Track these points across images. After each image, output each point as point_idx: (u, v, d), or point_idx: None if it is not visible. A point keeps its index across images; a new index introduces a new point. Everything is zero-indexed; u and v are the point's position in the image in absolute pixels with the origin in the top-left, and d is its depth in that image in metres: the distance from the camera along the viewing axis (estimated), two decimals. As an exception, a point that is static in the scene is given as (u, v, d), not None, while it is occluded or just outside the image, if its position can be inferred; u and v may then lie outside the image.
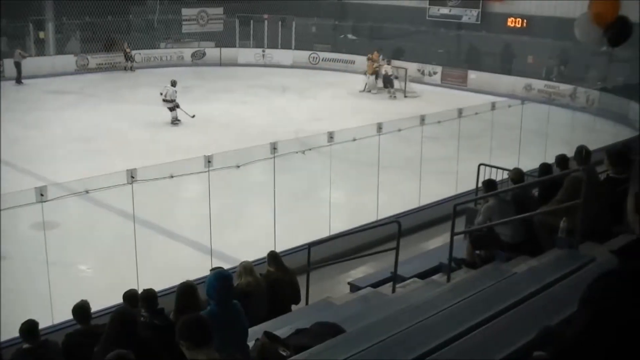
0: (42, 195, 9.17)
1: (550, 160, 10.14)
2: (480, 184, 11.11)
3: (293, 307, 8.57)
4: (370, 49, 30.14)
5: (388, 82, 28.03)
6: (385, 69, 28.24)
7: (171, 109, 22.08)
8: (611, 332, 1.83)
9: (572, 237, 7.82)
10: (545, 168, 10.12)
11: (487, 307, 5.73)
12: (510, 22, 30.70)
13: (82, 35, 32.43)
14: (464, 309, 5.91)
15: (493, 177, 11.11)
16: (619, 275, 1.93)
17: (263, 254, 8.85)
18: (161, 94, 22.22)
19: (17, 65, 28.44)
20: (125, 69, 32.11)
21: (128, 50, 32.18)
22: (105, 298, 8.62)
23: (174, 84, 22.26)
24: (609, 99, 24.14)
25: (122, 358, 4.45)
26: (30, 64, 29.38)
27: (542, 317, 5.03)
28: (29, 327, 6.55)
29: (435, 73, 31.57)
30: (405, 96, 27.88)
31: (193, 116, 21.75)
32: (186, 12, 35.60)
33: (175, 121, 21.98)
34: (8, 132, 20.10)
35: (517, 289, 6.27)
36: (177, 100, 22.02)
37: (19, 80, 28.22)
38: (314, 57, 34.96)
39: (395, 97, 27.50)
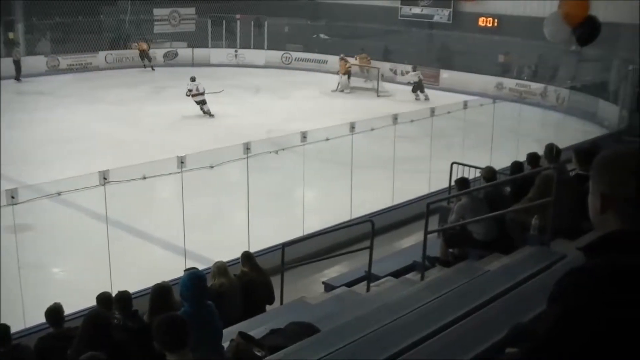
0: (12, 197, 9.08)
1: (522, 158, 10.24)
2: (453, 183, 11.19)
3: (267, 307, 8.57)
4: (343, 49, 30.26)
5: (419, 87, 27.60)
6: (412, 75, 28.16)
7: (203, 102, 23.34)
8: (578, 328, 1.86)
9: (544, 235, 7.92)
10: (516, 166, 10.22)
11: (461, 305, 5.78)
12: (481, 21, 30.95)
13: (53, 35, 32.13)
14: (438, 307, 5.95)
15: (466, 176, 11.17)
16: (585, 272, 1.97)
17: (237, 254, 8.85)
18: (190, 90, 23.38)
19: (17, 63, 29.28)
20: (144, 67, 32.46)
21: (147, 48, 32.61)
22: (78, 301, 8.56)
23: (194, 79, 23.85)
24: (578, 97, 24.41)
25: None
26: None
27: (514, 314, 5.08)
28: (1, 332, 6.49)
29: (407, 72, 31.67)
30: (378, 96, 27.94)
31: (221, 91, 24.49)
32: (158, 12, 35.41)
33: (209, 113, 23.35)
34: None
35: (490, 287, 6.33)
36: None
37: (17, 77, 29.03)
38: (286, 57, 34.94)
39: (428, 98, 26.85)
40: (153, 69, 32.35)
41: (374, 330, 5.40)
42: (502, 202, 9.20)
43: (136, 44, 32.81)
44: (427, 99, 26.52)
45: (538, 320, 2.46)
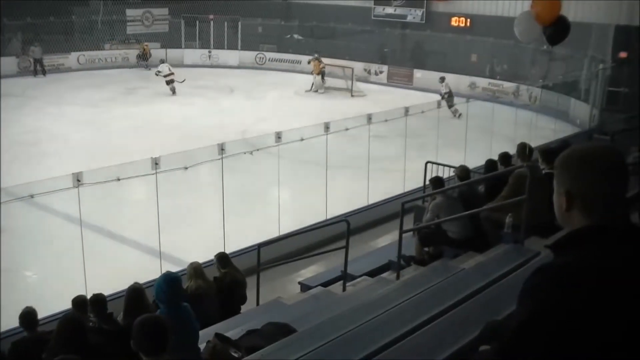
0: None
1: (495, 157, 10.32)
2: (427, 182, 11.24)
3: (243, 308, 8.56)
4: (317, 49, 30.29)
5: (450, 98, 23.17)
6: (442, 87, 24.45)
7: (172, 81, 27.08)
8: (545, 325, 1.89)
9: (518, 232, 7.99)
10: (490, 164, 10.30)
11: (436, 304, 5.81)
12: (454, 21, 31.10)
13: (24, 36, 31.81)
14: (414, 306, 5.99)
15: (440, 175, 11.24)
16: (553, 269, 2.00)
17: (212, 255, 8.82)
18: (159, 72, 27.40)
19: (40, 60, 30.61)
20: (146, 67, 32.49)
21: (147, 48, 33.01)
22: (52, 304, 8.50)
23: (164, 61, 28.74)
24: (550, 96, 24.63)
25: None
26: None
27: (489, 312, 5.12)
28: (-26, 336, 6.43)
29: (381, 72, 31.81)
30: (352, 95, 27.99)
31: (183, 80, 27.04)
32: (130, 12, 35.17)
33: (174, 91, 27.03)
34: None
35: (465, 285, 6.37)
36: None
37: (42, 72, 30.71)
38: (260, 58, 34.90)
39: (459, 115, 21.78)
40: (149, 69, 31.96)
41: (350, 330, 5.42)
42: (476, 200, 9.27)
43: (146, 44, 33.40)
44: (455, 114, 22.10)
45: (511, 318, 2.49)
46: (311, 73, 29.15)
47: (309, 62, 29.53)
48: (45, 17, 31.02)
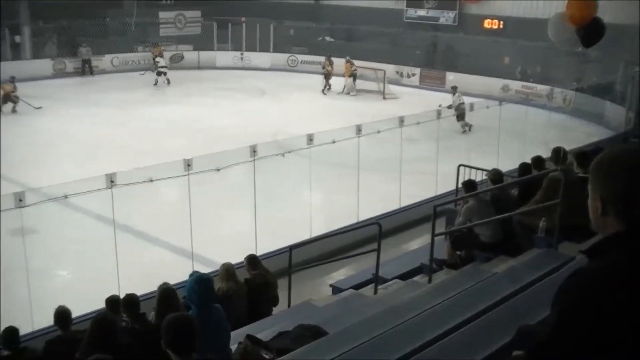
0: (20, 200, 9.10)
1: (528, 160, 10.22)
2: (459, 185, 11.17)
3: (274, 309, 8.57)
4: (348, 52, 30.22)
5: (461, 110, 21.10)
6: (454, 98, 22.19)
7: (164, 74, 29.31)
8: (579, 329, 1.87)
9: (551, 237, 7.90)
10: (524, 168, 10.19)
11: (468, 308, 5.77)
12: (486, 23, 30.90)
13: (59, 39, 32.22)
14: (445, 310, 5.94)
15: (472, 178, 11.16)
16: (587, 275, 1.98)
17: (243, 256, 8.84)
18: (157, 62, 29.51)
19: (88, 61, 31.45)
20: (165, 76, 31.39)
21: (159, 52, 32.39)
22: (85, 304, 8.58)
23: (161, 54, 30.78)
24: (584, 99, 24.36)
25: None
26: (6, 68, 29.18)
27: (521, 317, 5.06)
28: (9, 334, 6.51)
29: (413, 75, 31.69)
30: (384, 98, 27.93)
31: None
32: (164, 15, 35.46)
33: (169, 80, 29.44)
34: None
35: (497, 289, 6.32)
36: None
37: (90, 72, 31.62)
38: (292, 60, 34.96)
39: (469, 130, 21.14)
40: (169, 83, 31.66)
41: (381, 333, 5.40)
42: (509, 204, 9.19)
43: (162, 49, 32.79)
44: (465, 129, 21.21)
45: (544, 323, 2.47)
46: (343, 75, 29.13)
47: (323, 68, 29.50)
48: (80, 19, 31.38)
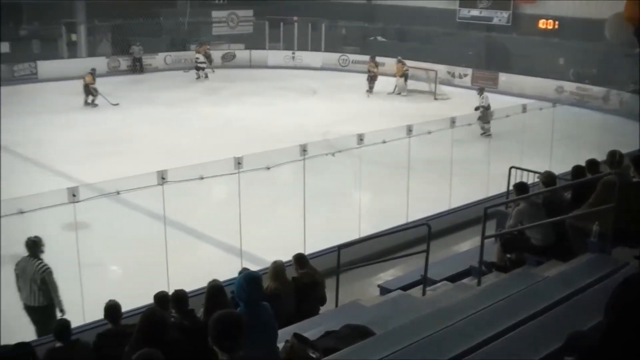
0: (74, 195, 9.27)
1: (582, 163, 10.03)
2: (511, 187, 11.03)
3: (321, 309, 8.57)
4: (400, 52, 30.08)
5: (486, 113, 20.54)
6: (481, 99, 21.79)
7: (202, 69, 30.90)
8: (630, 336, 1.83)
9: (605, 242, 7.74)
10: (578, 171, 10.00)
11: (518, 312, 5.69)
12: (541, 23, 30.47)
13: (114, 37, 32.77)
14: (495, 313, 5.87)
15: (524, 180, 11.01)
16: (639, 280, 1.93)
17: (291, 255, 8.85)
18: (197, 58, 30.91)
19: (139, 60, 32.07)
20: (203, 71, 32.12)
21: (208, 51, 32.70)
22: (135, 298, 8.69)
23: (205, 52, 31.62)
24: (642, 101, 23.83)
25: (148, 356, 4.42)
26: (62, 66, 29.88)
27: (572, 323, 4.98)
28: (61, 327, 6.63)
29: (465, 75, 31.40)
30: (435, 99, 27.76)
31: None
32: (216, 14, 35.79)
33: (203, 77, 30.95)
34: (37, 133, 20.41)
35: (548, 294, 6.22)
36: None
37: (141, 71, 32.25)
38: (343, 60, 34.95)
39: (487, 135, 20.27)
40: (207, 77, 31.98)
41: (429, 335, 5.35)
42: (561, 207, 9.03)
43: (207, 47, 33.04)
44: (485, 133, 20.28)
45: (597, 329, 2.42)
46: (394, 75, 29.02)
47: (368, 71, 28.99)
48: (135, 18, 31.85)
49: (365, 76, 29.00)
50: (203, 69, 31.29)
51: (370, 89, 28.43)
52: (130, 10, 31.26)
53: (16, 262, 9.15)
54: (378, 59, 31.58)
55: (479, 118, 20.22)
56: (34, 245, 9.00)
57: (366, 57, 33.43)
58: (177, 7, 35.52)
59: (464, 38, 32.39)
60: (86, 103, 25.10)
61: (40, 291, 8.90)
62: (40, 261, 8.95)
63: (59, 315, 8.89)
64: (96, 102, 25.14)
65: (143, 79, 31.09)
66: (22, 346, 4.77)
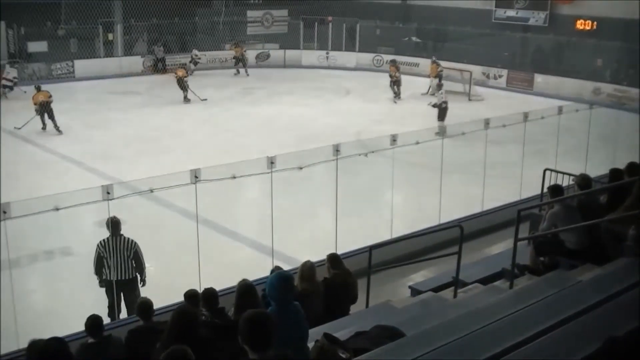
0: (108, 193, 9.36)
1: (618, 166, 9.89)
2: (545, 190, 10.92)
3: (352, 309, 8.55)
4: (435, 52, 29.94)
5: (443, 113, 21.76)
6: (440, 95, 22.53)
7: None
8: None
9: (641, 246, 7.62)
10: (615, 173, 9.86)
11: (551, 315, 5.62)
12: (579, 24, 30.10)
13: (149, 37, 33.07)
14: (527, 316, 5.81)
15: (559, 183, 10.89)
16: None
17: (323, 255, 8.84)
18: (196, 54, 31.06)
19: (162, 60, 32.18)
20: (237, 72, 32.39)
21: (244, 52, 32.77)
22: (167, 296, 8.75)
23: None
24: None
25: (178, 353, 4.43)
26: (98, 65, 30.24)
27: (607, 328, 4.90)
28: (94, 323, 6.68)
29: (500, 76, 31.16)
30: (470, 99, 27.58)
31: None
32: (251, 14, 35.96)
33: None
34: (74, 131, 20.66)
35: (582, 298, 6.13)
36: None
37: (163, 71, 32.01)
38: (377, 60, 34.86)
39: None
40: (247, 74, 32.29)
41: (460, 337, 5.31)
42: (596, 211, 8.91)
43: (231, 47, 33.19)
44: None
45: (632, 334, 2.38)
46: (428, 76, 28.88)
47: (390, 76, 28.12)
48: (170, 18, 32.09)
49: (403, 77, 28.79)
50: (197, 63, 31.81)
51: (397, 95, 27.64)
52: (166, 10, 31.53)
53: (99, 244, 9.58)
54: (412, 59, 31.59)
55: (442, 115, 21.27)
56: (117, 225, 9.62)
57: (401, 58, 33.39)
58: (212, 7, 35.72)
59: (499, 39, 32.13)
60: (185, 99, 25.87)
61: (131, 264, 9.62)
62: (127, 237, 9.67)
63: (140, 285, 9.75)
64: (188, 97, 25.80)
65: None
66: (55, 341, 4.82)
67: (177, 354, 4.34)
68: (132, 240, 9.67)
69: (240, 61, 32.44)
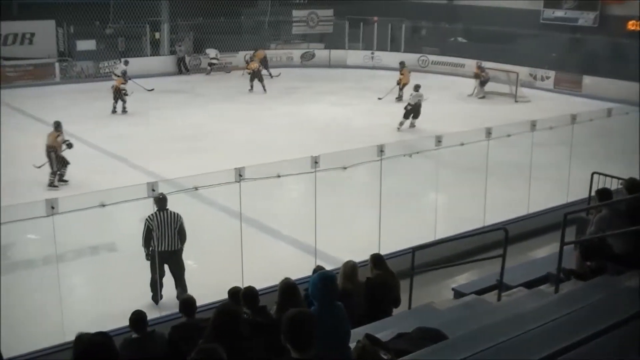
0: (153, 190, 9.47)
1: (670, 170, 9.71)
2: (593, 193, 10.75)
3: (395, 310, 8.51)
4: (481, 53, 29.65)
5: (414, 111, 22.24)
6: (413, 96, 22.46)
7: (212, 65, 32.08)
8: None
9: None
10: (666, 178, 9.67)
11: (597, 321, 5.52)
12: (630, 25, 29.53)
13: (195, 36, 33.35)
14: (572, 322, 5.72)
15: (607, 187, 10.70)
16: None
17: (366, 256, 8.82)
18: (207, 54, 31.64)
19: (182, 59, 32.27)
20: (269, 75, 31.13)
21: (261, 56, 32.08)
22: (210, 293, 8.81)
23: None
24: None
25: (209, 351, 4.43)
26: (145, 63, 30.62)
27: (656, 335, 4.81)
28: (137, 318, 6.76)
29: (547, 77, 30.76)
30: (516, 101, 27.28)
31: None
32: (297, 13, 36.08)
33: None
34: (117, 128, 20.94)
35: (629, 304, 6.02)
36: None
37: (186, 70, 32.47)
38: (423, 60, 34.69)
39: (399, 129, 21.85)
40: (271, 76, 31.04)
41: (504, 341, 5.25)
42: (645, 215, 8.74)
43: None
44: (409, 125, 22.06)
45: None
46: (474, 77, 28.65)
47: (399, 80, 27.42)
48: (216, 17, 32.33)
49: (449, 77, 28.59)
50: (214, 64, 32.44)
51: (399, 97, 26.81)
52: (212, 10, 31.78)
53: (148, 218, 10.15)
54: (457, 60, 31.39)
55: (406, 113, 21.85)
56: (164, 200, 10.14)
57: (447, 58, 33.26)
58: (257, 7, 35.91)
59: (547, 39, 31.66)
60: (264, 89, 27.47)
61: (176, 236, 10.26)
62: (173, 211, 10.28)
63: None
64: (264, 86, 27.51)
65: (221, 77, 31.51)
66: (101, 335, 4.87)
67: (207, 352, 4.36)
68: (178, 214, 10.28)
69: (256, 76, 28.44)
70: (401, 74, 27.39)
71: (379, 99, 26.61)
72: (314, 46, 36.12)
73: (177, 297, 10.00)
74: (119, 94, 23.67)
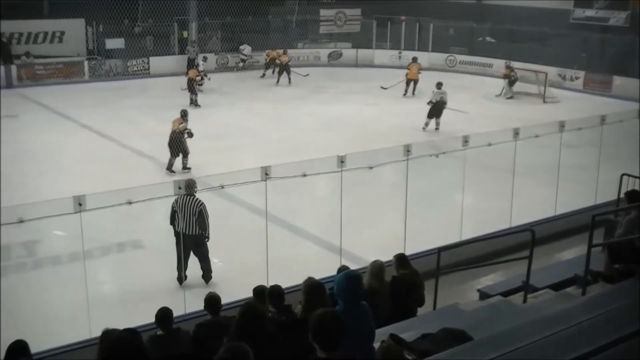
0: (179, 188, 9.54)
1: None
2: (622, 195, 10.63)
3: (419, 311, 8.48)
4: (509, 53, 29.45)
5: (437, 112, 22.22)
6: (436, 93, 22.42)
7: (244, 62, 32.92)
8: None
9: None
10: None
11: (624, 325, 5.46)
12: (663, 25, 29.17)
13: (223, 35, 33.48)
14: (600, 325, 5.66)
15: (637, 189, 10.57)
16: None
17: (391, 256, 8.79)
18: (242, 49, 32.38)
19: (193, 61, 31.19)
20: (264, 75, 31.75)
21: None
22: (235, 291, 8.85)
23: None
24: None
25: (237, 348, 4.42)
26: (172, 62, 30.81)
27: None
28: (163, 315, 6.81)
29: (577, 78, 30.48)
30: (544, 102, 27.06)
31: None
32: (324, 12, 36.07)
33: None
34: (146, 126, 21.07)
35: (659, 308, 5.95)
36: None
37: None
38: (450, 60, 34.55)
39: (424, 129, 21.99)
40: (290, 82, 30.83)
41: (530, 343, 5.21)
42: (675, 218, 8.64)
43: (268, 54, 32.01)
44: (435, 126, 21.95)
45: None
46: (502, 77, 28.47)
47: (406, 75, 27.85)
48: (244, 16, 32.43)
49: (477, 77, 28.46)
50: (245, 60, 32.97)
51: (406, 92, 27.88)
52: (240, 9, 31.87)
53: (174, 200, 10.50)
54: (486, 60, 31.17)
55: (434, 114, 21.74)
56: (192, 185, 10.44)
57: (475, 58, 33.06)
58: (285, 6, 35.97)
59: (576, 39, 31.34)
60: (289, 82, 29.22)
61: (196, 222, 10.59)
62: (197, 198, 10.57)
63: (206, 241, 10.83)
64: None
65: (247, 76, 31.58)
66: (129, 332, 4.92)
67: (236, 350, 4.36)
68: (200, 201, 10.56)
69: (279, 67, 30.52)
70: (408, 69, 27.63)
71: (384, 88, 27.28)
72: (341, 45, 36.10)
73: (202, 277, 10.90)
74: (192, 86, 24.55)
